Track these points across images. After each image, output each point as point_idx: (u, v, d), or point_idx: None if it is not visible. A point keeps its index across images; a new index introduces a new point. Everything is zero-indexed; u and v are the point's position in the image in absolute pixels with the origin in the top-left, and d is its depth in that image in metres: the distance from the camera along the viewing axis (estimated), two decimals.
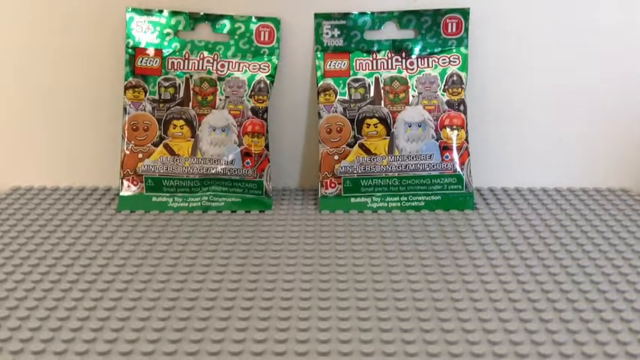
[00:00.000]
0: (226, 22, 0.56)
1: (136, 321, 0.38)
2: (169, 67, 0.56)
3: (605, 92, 0.58)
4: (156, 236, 0.50)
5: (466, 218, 0.53)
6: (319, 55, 0.56)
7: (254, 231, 0.51)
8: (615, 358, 0.34)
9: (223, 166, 0.54)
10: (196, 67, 0.56)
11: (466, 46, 0.56)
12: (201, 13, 0.56)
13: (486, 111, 0.58)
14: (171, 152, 0.55)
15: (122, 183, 0.55)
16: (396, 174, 0.54)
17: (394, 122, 0.55)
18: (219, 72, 0.56)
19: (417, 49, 0.56)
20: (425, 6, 0.56)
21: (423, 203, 0.55)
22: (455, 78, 0.56)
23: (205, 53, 0.56)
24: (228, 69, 0.56)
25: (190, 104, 0.56)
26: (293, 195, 0.58)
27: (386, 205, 0.55)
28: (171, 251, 0.47)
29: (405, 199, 0.55)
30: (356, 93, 0.56)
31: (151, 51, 0.56)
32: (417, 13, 0.56)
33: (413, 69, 0.56)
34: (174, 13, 0.56)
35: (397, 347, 0.36)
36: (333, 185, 0.55)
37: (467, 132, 0.55)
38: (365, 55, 0.56)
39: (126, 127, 0.55)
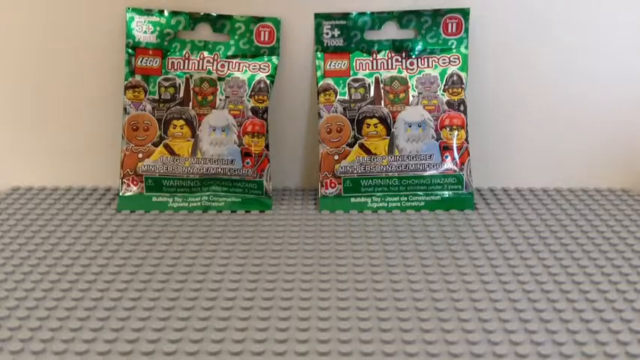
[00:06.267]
0: (226, 22, 0.56)
1: (136, 321, 0.38)
2: (169, 67, 0.56)
3: (605, 92, 0.58)
4: (156, 236, 0.50)
5: (466, 218, 0.53)
6: (319, 55, 0.56)
7: (254, 231, 0.51)
8: (615, 358, 0.34)
9: (223, 166, 0.54)
10: (196, 67, 0.56)
11: (466, 46, 0.56)
12: (202, 13, 0.56)
13: (486, 111, 0.58)
14: (172, 152, 0.55)
15: (122, 183, 0.55)
16: (396, 174, 0.54)
17: (394, 122, 0.55)
18: (219, 72, 0.56)
19: (417, 49, 0.56)
20: (425, 6, 0.56)
21: (422, 203, 0.55)
22: (455, 78, 0.56)
23: (205, 53, 0.56)
24: (228, 69, 0.56)
25: (190, 104, 0.56)
26: (293, 195, 0.58)
27: (386, 205, 0.55)
28: (171, 251, 0.47)
29: (405, 199, 0.55)
30: (356, 93, 0.56)
31: (151, 51, 0.56)
32: (417, 13, 0.56)
33: (413, 69, 0.56)
34: (174, 13, 0.56)
35: (397, 347, 0.36)
36: (333, 185, 0.55)
37: (467, 132, 0.55)
38: (365, 55, 0.56)
39: (126, 127, 0.55)
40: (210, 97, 0.56)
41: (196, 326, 0.37)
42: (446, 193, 0.55)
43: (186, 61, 0.56)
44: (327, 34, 0.56)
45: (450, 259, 0.46)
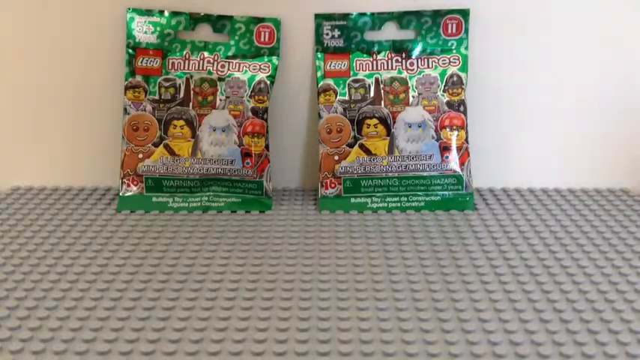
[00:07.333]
0: (226, 23, 0.56)
1: (136, 321, 0.38)
2: (170, 67, 0.56)
3: (605, 92, 0.58)
4: (156, 236, 0.50)
5: (466, 219, 0.53)
6: (319, 56, 0.57)
7: (254, 231, 0.51)
8: (615, 358, 0.34)
9: (223, 167, 0.54)
10: (197, 68, 0.56)
11: (466, 47, 0.56)
12: (202, 14, 0.56)
13: (486, 111, 0.58)
14: (172, 152, 0.55)
15: (122, 183, 0.55)
16: (396, 174, 0.55)
17: (394, 123, 0.55)
18: (219, 72, 0.56)
19: (417, 50, 0.56)
20: (425, 6, 0.56)
21: (422, 204, 0.55)
22: (455, 79, 0.56)
23: (206, 54, 0.56)
24: (228, 69, 0.56)
25: (191, 104, 0.56)
26: (293, 195, 0.58)
27: (386, 205, 0.55)
28: (171, 251, 0.47)
29: (405, 199, 0.55)
30: (356, 93, 0.56)
31: (151, 51, 0.56)
32: (417, 14, 0.56)
33: (413, 69, 0.56)
34: (174, 14, 0.56)
35: (397, 347, 0.36)
36: (333, 185, 0.55)
37: (467, 132, 0.55)
38: (365, 55, 0.56)
39: (126, 128, 0.55)
40: (210, 98, 0.56)
41: (196, 326, 0.37)
42: (446, 194, 0.55)
43: (187, 61, 0.56)
44: (327, 34, 0.56)
45: (450, 260, 0.46)
